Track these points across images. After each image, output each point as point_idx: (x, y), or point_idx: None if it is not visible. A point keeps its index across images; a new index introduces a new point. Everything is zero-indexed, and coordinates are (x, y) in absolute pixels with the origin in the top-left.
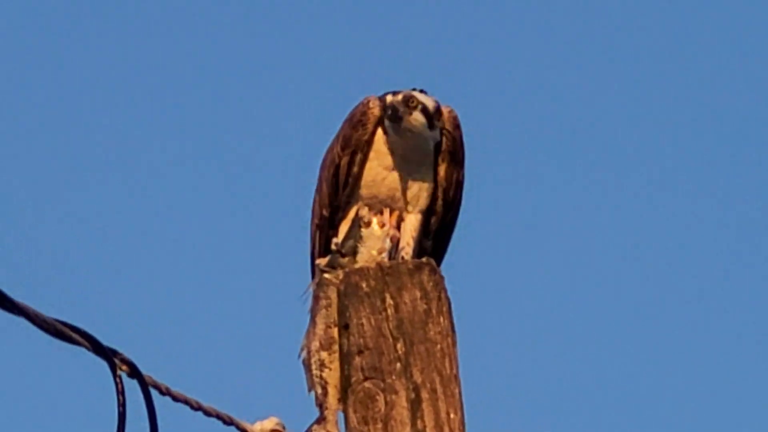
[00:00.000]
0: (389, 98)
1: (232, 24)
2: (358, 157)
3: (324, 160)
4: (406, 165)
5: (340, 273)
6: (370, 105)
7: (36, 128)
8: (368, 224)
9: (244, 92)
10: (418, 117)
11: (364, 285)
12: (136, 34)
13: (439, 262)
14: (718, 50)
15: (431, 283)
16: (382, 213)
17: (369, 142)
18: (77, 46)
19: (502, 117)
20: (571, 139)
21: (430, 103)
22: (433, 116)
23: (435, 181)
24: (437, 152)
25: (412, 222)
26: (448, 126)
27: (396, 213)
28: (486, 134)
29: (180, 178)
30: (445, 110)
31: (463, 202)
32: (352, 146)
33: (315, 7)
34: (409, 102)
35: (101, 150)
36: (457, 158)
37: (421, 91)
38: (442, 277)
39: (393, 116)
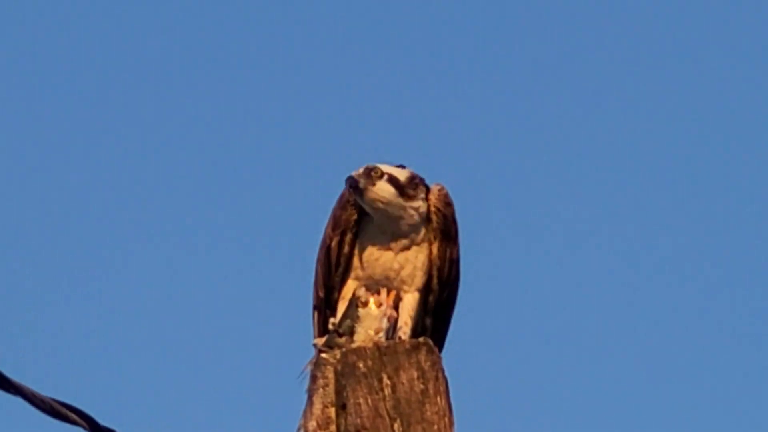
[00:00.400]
0: (353, 173)
1: (228, 96)
2: (348, 237)
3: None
4: (397, 243)
5: (338, 353)
6: None
7: (31, 203)
8: (365, 304)
9: (245, 171)
10: (383, 187)
11: (361, 365)
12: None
13: (442, 339)
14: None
15: (428, 363)
16: (379, 293)
17: (358, 222)
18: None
19: (510, 197)
20: (573, 217)
21: (401, 174)
22: (405, 186)
23: (430, 259)
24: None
25: (409, 301)
26: (437, 203)
27: (393, 292)
28: (492, 214)
29: (175, 254)
30: (434, 188)
31: (466, 279)
32: (341, 226)
33: (314, 85)
34: (371, 173)
35: (92, 235)
36: (449, 236)
37: (400, 166)
38: (439, 357)
39: (354, 188)
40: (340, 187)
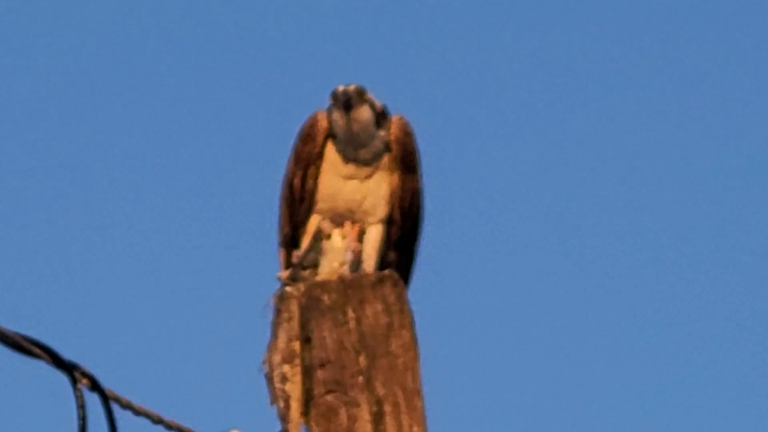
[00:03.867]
0: (341, 87)
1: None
2: (311, 170)
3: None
4: (360, 173)
5: (302, 286)
6: (318, 118)
7: None
8: (329, 237)
9: (204, 110)
10: (367, 110)
11: (325, 298)
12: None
13: (407, 274)
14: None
15: (393, 296)
16: (343, 225)
17: (320, 155)
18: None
19: (483, 133)
20: (546, 158)
21: (377, 103)
22: (379, 116)
23: (392, 189)
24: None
25: (373, 234)
26: (397, 133)
27: (357, 225)
28: (464, 148)
29: (142, 191)
30: (394, 118)
31: (433, 212)
32: (303, 161)
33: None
34: (363, 94)
35: (62, 187)
36: (409, 166)
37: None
38: (404, 290)
39: (346, 104)
40: (304, 117)
